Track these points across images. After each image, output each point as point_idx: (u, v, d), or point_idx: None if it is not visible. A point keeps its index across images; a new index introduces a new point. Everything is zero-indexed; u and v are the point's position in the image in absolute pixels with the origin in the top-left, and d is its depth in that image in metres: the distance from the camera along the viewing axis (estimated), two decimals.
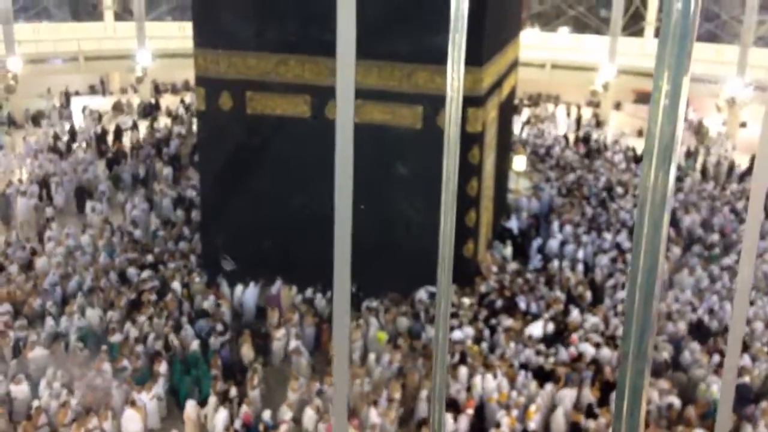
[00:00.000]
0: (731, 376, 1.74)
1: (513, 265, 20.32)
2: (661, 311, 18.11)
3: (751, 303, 18.76)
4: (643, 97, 34.43)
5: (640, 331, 1.47)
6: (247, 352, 15.41)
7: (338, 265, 1.46)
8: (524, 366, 15.21)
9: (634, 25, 35.36)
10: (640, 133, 32.33)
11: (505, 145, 22.30)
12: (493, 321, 17.28)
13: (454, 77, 2.74)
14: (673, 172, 1.40)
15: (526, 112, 35.92)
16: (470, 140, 18.37)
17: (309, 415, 13.36)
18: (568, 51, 34.49)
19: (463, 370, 14.56)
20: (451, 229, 2.04)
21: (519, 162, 23.16)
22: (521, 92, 31.90)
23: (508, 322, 17.18)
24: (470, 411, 13.26)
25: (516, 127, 30.36)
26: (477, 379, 14.31)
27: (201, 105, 19.33)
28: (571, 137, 32.28)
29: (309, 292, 18.37)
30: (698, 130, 33.07)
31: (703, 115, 33.70)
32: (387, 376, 14.69)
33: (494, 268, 20.10)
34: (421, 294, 18.35)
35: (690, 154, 30.06)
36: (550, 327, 17.05)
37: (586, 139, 31.54)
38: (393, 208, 18.39)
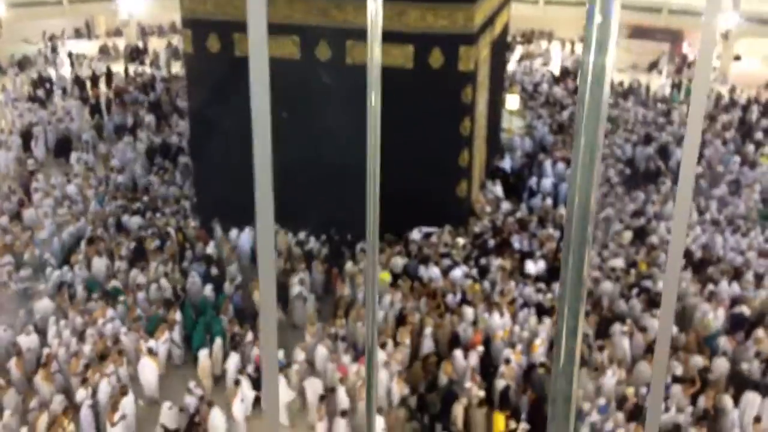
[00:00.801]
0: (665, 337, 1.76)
1: (506, 205, 20.31)
2: (654, 243, 18.30)
3: (744, 234, 18.97)
4: (638, 33, 33.97)
5: (578, 249, 1.46)
6: (257, 297, 15.56)
7: (260, 207, 1.43)
8: (525, 304, 15.40)
9: None
10: (633, 68, 31.95)
11: (498, 84, 22.12)
12: (487, 260, 17.43)
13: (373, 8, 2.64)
14: (604, 104, 1.40)
15: (519, 50, 35.40)
16: (462, 79, 18.22)
17: (321, 354, 13.58)
18: None
19: (468, 310, 14.70)
20: (375, 170, 1.95)
21: (512, 101, 22.99)
22: (514, 29, 31.37)
23: (501, 261, 17.23)
24: (480, 348, 13.64)
25: (510, 66, 30.04)
26: (484, 317, 14.53)
27: (188, 48, 19.00)
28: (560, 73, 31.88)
29: (302, 235, 18.42)
30: (691, 65, 32.72)
31: (698, 48, 33.34)
32: (391, 316, 14.86)
33: (488, 208, 20.14)
34: (415, 234, 18.45)
35: (675, 87, 29.88)
36: (545, 264, 17.16)
37: (575, 75, 31.15)
38: (386, 149, 18.22)
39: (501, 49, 23.25)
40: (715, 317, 15.05)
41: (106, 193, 20.51)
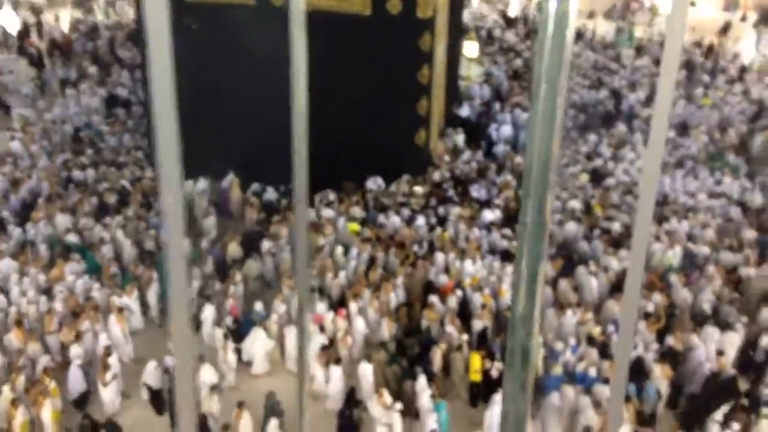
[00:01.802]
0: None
1: (465, 153, 20.38)
2: (612, 185, 18.71)
3: (695, 177, 19.51)
4: None
5: (539, 195, 1.45)
6: (233, 250, 15.34)
7: (163, 155, 1.32)
8: (492, 250, 15.65)
9: None
10: (590, 15, 31.89)
11: (456, 31, 21.93)
12: (446, 209, 17.68)
13: None
14: (566, 52, 1.38)
15: None
16: (421, 26, 18.08)
17: (294, 306, 13.67)
18: None
19: (440, 257, 14.89)
20: (302, 122, 1.86)
21: (470, 48, 22.89)
22: None
23: (461, 210, 17.37)
24: (459, 293, 14.05)
25: (470, 10, 29.87)
26: (456, 264, 14.74)
27: None
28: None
29: (256, 186, 18.28)
30: (650, 9, 32.98)
31: None
32: (361, 267, 14.92)
33: (447, 157, 20.19)
34: (370, 184, 18.45)
35: (620, 31, 30.10)
36: (501, 212, 17.38)
37: (525, 20, 31.17)
38: (343, 98, 17.99)
39: None
40: (674, 255, 15.56)
41: (52, 148, 19.75)
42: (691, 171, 19.99)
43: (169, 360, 12.48)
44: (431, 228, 16.80)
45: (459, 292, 14.04)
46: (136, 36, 19.77)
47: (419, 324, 13.42)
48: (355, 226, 16.52)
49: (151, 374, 12.34)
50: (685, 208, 18.07)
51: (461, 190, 18.80)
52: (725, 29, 30.50)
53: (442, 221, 17.21)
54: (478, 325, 13.32)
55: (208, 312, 13.71)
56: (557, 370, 12.22)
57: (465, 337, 12.91)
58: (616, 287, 14.22)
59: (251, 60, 17.18)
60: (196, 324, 13.97)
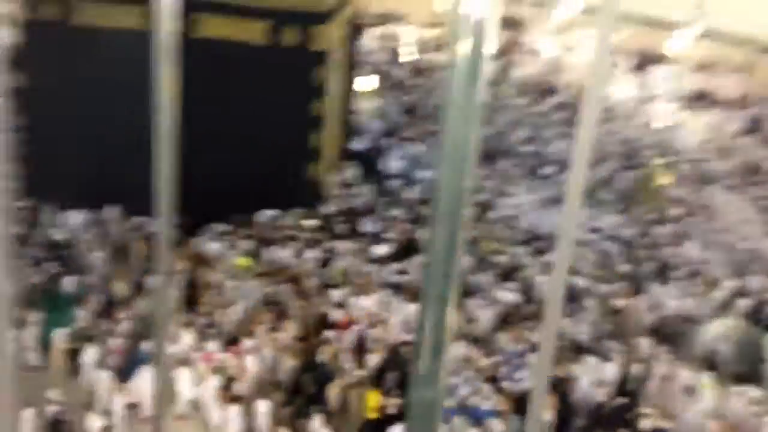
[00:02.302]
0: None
1: (358, 188, 20.54)
2: (497, 218, 19.13)
3: None
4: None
5: (449, 236, 1.52)
6: (119, 288, 14.65)
7: None
8: (385, 285, 15.85)
9: None
10: None
11: (352, 65, 22.17)
12: (336, 243, 17.69)
13: None
14: (478, 96, 1.43)
15: (373, 32, 35.40)
16: (315, 58, 18.16)
17: (186, 343, 13.42)
18: None
19: (334, 292, 15.19)
20: (168, 149, 1.89)
21: (365, 82, 23.20)
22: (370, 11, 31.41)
23: (351, 244, 17.38)
24: (356, 327, 14.08)
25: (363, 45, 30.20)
26: (351, 300, 14.92)
27: (21, 14, 17.28)
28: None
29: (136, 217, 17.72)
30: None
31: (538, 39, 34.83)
32: (253, 303, 14.68)
33: (339, 191, 20.26)
34: (260, 217, 18.23)
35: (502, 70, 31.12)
36: (393, 247, 17.56)
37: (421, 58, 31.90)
38: (235, 128, 17.78)
39: (355, 29, 23.37)
40: None
41: None
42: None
43: (48, 407, 11.76)
44: (324, 262, 16.74)
45: (355, 327, 14.07)
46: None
47: (315, 360, 13.34)
48: (245, 261, 16.25)
49: (27, 424, 11.53)
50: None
51: (352, 224, 18.85)
52: None
53: (334, 255, 17.13)
54: (373, 360, 13.39)
55: (91, 353, 13.05)
56: (449, 402, 12.44)
57: (362, 372, 12.94)
58: (505, 320, 14.72)
59: (134, 88, 16.64)
60: (76, 367, 13.31)
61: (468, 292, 15.98)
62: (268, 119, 17.98)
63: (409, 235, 18.28)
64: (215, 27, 17.12)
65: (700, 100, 29.59)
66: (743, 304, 16.84)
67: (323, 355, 13.31)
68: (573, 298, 16.40)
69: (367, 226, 18.79)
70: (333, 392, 12.59)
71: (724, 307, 16.77)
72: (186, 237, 17.24)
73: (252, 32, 17.73)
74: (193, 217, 17.32)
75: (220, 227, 17.77)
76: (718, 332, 15.49)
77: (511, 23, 32.25)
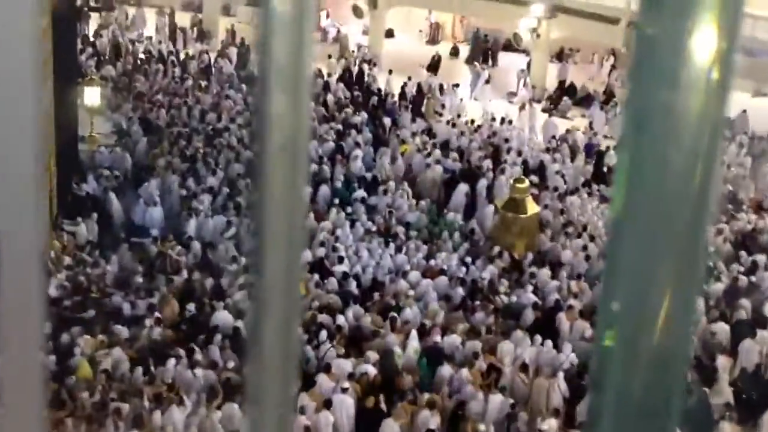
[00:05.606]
0: None
1: (94, 251, 15.35)
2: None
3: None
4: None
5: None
6: None
7: None
8: None
9: None
10: (241, 43, 26.72)
11: (70, 71, 15.54)
12: (71, 336, 13.45)
13: None
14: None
15: (95, 19, 27.97)
16: None
17: None
18: None
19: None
20: None
21: (91, 95, 16.54)
22: None
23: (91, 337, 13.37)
24: None
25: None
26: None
27: None
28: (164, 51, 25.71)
29: None
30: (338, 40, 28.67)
31: (344, 23, 29.61)
32: None
33: (66, 258, 14.44)
34: None
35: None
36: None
37: (177, 55, 25.47)
38: None
39: (69, 18, 16.62)
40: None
41: None
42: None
43: None
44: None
45: None
46: None
47: None
48: None
49: None
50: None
51: (89, 306, 14.16)
52: (434, 66, 26.82)
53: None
54: None
55: None
56: None
57: None
58: None
59: None
60: None
61: None
62: None
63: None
64: None
65: None
66: None
67: None
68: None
69: (127, 306, 13.47)
70: None
71: None
72: None
73: None
74: None
75: None
76: None
77: None
